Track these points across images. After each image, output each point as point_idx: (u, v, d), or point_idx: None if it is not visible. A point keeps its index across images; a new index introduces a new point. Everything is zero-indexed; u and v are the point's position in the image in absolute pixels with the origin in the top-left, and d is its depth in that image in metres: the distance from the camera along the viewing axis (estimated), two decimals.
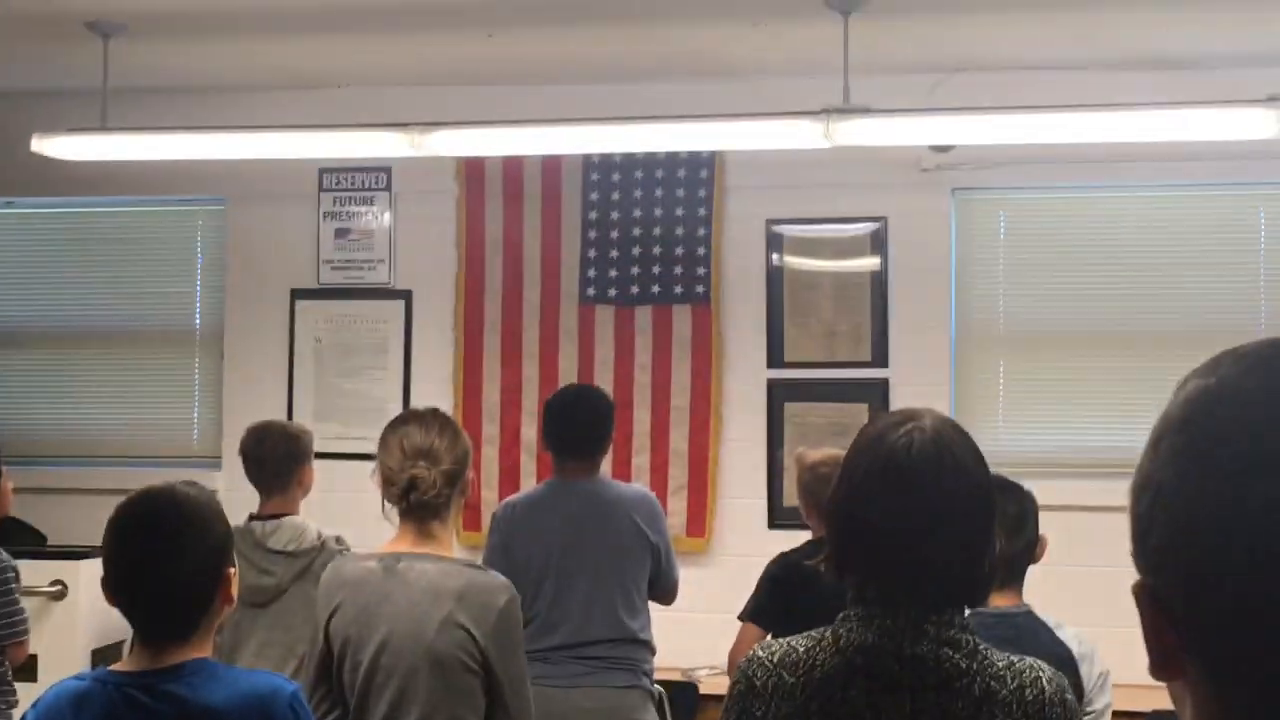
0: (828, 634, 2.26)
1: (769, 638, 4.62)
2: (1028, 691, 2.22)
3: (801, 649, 2.26)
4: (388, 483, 3.67)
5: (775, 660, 2.26)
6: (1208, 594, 0.95)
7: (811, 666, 2.23)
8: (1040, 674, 2.25)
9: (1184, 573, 0.96)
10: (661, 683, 5.62)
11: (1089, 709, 3.61)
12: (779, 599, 4.67)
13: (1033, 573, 3.68)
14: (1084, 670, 3.59)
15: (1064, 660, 3.46)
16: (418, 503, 3.63)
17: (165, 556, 2.66)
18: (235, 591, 2.76)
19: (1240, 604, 0.94)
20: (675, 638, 5.81)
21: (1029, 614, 3.58)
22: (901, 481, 2.23)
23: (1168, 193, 6.61)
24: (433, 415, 3.74)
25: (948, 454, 2.24)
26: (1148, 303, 6.59)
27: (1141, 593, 1.00)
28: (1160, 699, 5.18)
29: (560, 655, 4.90)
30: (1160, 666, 1.00)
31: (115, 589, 2.69)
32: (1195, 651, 0.97)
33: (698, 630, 6.00)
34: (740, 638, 4.76)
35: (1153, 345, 6.55)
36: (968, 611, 2.31)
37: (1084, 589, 5.76)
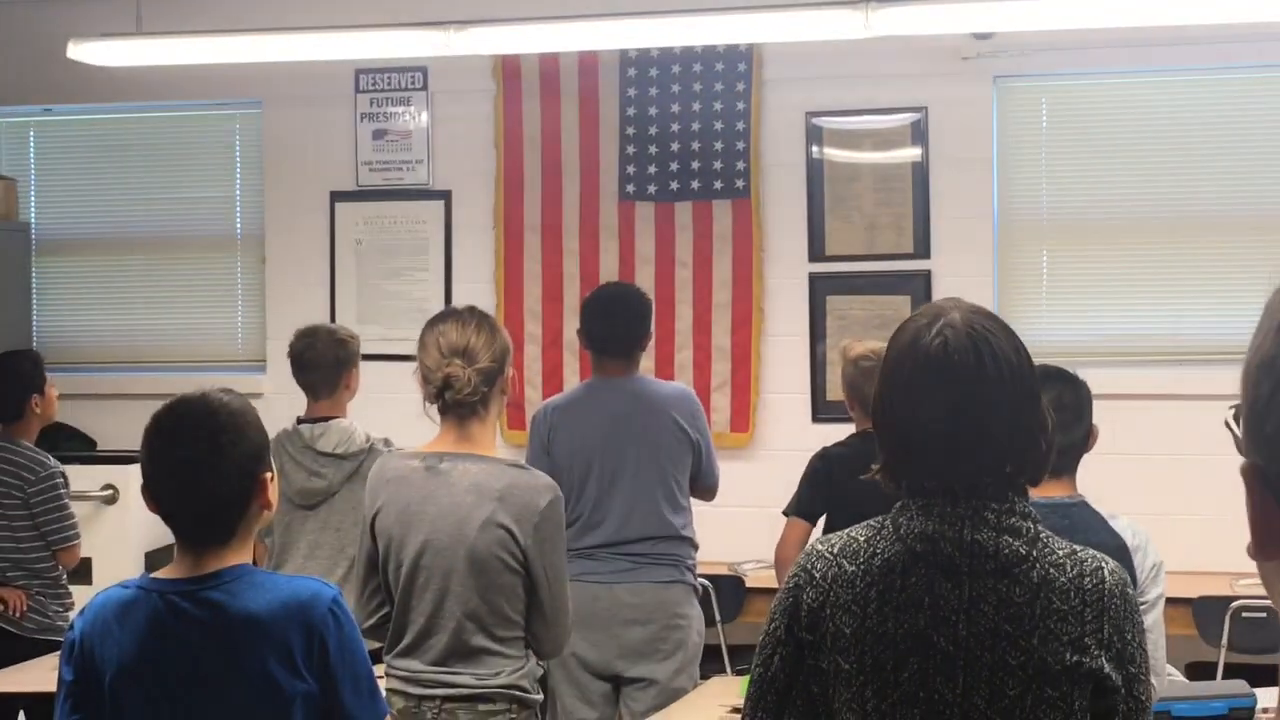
0: (888, 522, 2.26)
1: (814, 532, 4.65)
2: (1087, 580, 2.21)
3: (862, 538, 2.27)
4: (425, 382, 3.67)
5: (835, 551, 2.27)
6: None
7: (872, 555, 2.24)
8: (1103, 565, 2.24)
9: None
10: (709, 577, 5.66)
11: (1142, 599, 3.60)
12: (823, 493, 4.68)
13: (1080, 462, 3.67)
14: (1137, 561, 3.59)
15: (1118, 551, 3.46)
16: (453, 401, 3.63)
17: (200, 463, 2.67)
18: (274, 496, 2.77)
19: None
20: (721, 533, 5.84)
21: (1083, 504, 3.57)
22: (944, 381, 2.21)
23: (1213, 76, 6.51)
24: (470, 313, 3.73)
25: (984, 344, 2.23)
26: (1193, 188, 6.51)
27: (1253, 475, 0.99)
28: (1205, 586, 5.17)
29: (604, 552, 4.93)
30: (1263, 547, 1.00)
31: (154, 496, 2.71)
32: None
33: (743, 525, 6.02)
34: (785, 533, 4.78)
35: (1197, 231, 6.49)
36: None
37: (1128, 477, 5.75)
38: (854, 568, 2.24)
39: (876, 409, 2.32)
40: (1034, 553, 2.22)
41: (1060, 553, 2.24)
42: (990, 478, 2.23)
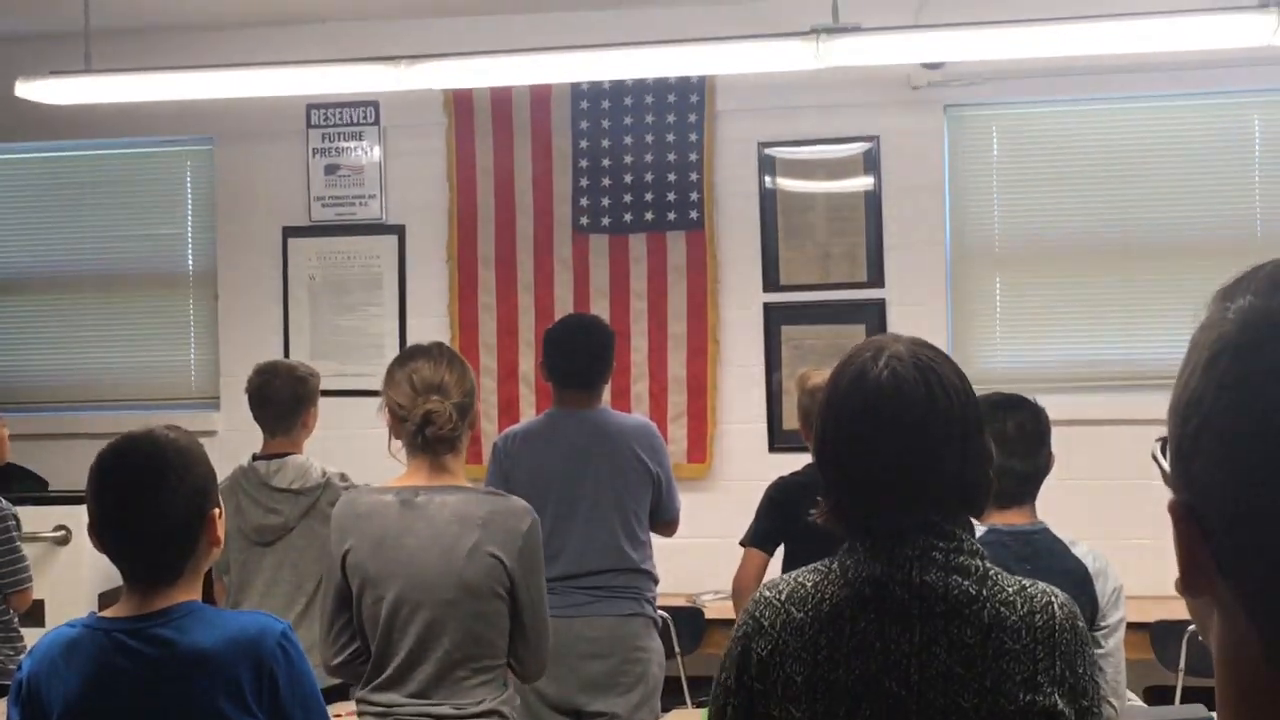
0: (835, 566, 2.24)
1: (775, 570, 4.64)
2: (1038, 617, 2.20)
3: (809, 584, 2.24)
4: (399, 420, 3.66)
5: (783, 598, 2.24)
6: (1254, 523, 0.94)
7: (820, 600, 2.21)
8: (1052, 599, 2.23)
9: (1231, 501, 0.95)
10: (667, 608, 5.65)
11: (1104, 624, 3.61)
12: (780, 522, 4.68)
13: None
14: (1099, 586, 3.60)
15: (1080, 577, 3.47)
16: (434, 437, 3.62)
17: (146, 501, 2.66)
18: (222, 533, 2.75)
19: None
20: (679, 564, 5.82)
21: (1045, 531, 3.58)
22: (895, 414, 2.20)
23: (1161, 103, 6.57)
24: (439, 349, 3.74)
25: (931, 374, 2.21)
26: (1142, 214, 6.56)
27: (1179, 511, 0.99)
28: (1163, 610, 5.18)
29: (562, 585, 4.90)
30: (1192, 583, 0.99)
31: (100, 536, 2.70)
32: (1230, 573, 0.97)
33: (701, 556, 6.01)
34: (743, 563, 4.77)
35: (1148, 257, 6.54)
36: (983, 529, 2.29)
37: (1084, 502, 5.77)
38: (802, 614, 2.22)
39: (824, 449, 2.29)
40: (984, 592, 2.20)
41: (1010, 590, 2.22)
42: (939, 514, 2.21)
